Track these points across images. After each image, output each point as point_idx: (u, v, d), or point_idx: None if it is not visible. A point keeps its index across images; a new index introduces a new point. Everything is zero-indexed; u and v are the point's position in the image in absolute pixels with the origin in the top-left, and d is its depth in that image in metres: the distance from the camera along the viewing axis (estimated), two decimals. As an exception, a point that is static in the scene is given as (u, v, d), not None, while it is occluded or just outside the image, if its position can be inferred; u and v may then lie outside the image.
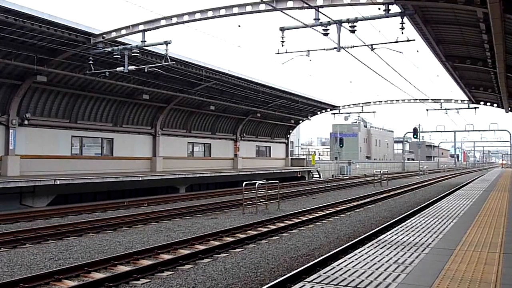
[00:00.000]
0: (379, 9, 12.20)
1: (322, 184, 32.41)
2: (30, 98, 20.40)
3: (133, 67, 17.89)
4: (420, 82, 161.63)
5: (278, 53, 14.82)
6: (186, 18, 14.63)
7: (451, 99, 32.90)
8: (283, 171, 35.82)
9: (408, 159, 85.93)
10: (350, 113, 40.49)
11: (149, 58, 19.51)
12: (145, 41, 16.09)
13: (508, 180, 24.71)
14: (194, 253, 9.46)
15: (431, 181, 38.71)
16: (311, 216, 15.19)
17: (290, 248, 10.25)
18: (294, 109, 36.00)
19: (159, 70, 19.89)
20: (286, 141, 42.88)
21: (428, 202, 19.66)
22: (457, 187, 27.71)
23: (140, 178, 22.20)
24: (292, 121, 40.33)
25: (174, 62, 18.41)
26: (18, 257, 9.25)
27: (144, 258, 9.23)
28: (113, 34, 16.76)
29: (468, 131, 54.67)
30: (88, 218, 14.68)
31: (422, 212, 9.99)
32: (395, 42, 13.40)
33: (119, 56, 17.14)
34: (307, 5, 12.31)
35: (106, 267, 8.53)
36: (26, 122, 20.19)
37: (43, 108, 21.11)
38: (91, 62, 18.39)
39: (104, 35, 16.96)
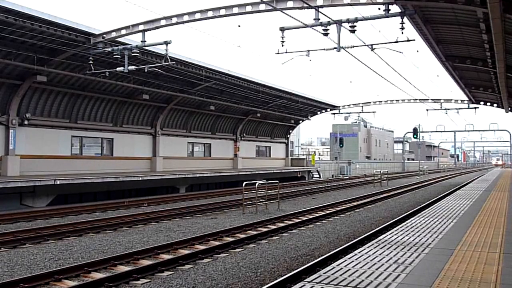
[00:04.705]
0: (379, 9, 12.21)
1: (322, 184, 32.41)
2: (30, 98, 20.41)
3: (133, 67, 17.89)
4: (420, 82, 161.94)
5: (278, 53, 14.83)
6: (186, 18, 14.64)
7: (451, 99, 32.93)
8: (283, 171, 35.82)
9: (408, 159, 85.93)
10: (350, 113, 40.52)
11: (149, 58, 19.52)
12: (145, 41, 16.10)
13: (508, 180, 24.71)
14: (194, 253, 9.46)
15: (431, 181, 38.71)
16: (311, 216, 15.18)
17: (290, 248, 10.25)
18: (294, 109, 36.01)
19: (159, 70, 19.90)
20: (286, 141, 42.88)
21: (428, 202, 19.65)
22: (457, 187, 27.70)
23: (140, 178, 22.20)
24: (292, 121, 40.34)
25: (174, 62, 18.41)
26: (18, 257, 9.25)
27: (144, 258, 9.23)
28: (113, 34, 16.77)
29: (468, 131, 54.76)
30: (88, 218, 14.68)
31: (422, 212, 9.99)
32: (395, 42, 13.41)
33: (119, 56, 17.15)
34: (307, 5, 12.31)
35: (106, 267, 8.53)
36: (26, 122, 20.19)
37: (43, 108, 21.11)
38: (91, 62, 18.39)
39: (104, 35, 16.96)
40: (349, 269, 4.98)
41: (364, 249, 6.08)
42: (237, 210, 17.25)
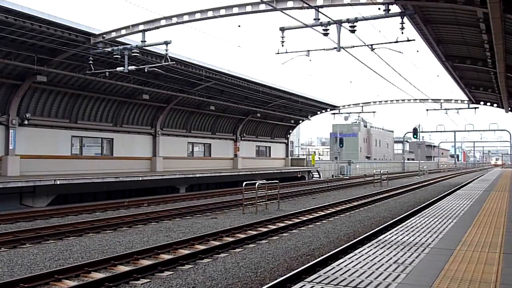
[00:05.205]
0: (379, 9, 12.21)
1: (322, 184, 32.41)
2: (30, 98, 20.41)
3: (133, 67, 17.89)
4: (420, 82, 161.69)
5: (278, 53, 14.83)
6: (186, 18, 14.63)
7: (451, 99, 32.92)
8: (283, 171, 35.82)
9: (408, 159, 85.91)
10: (350, 113, 40.54)
11: (149, 58, 19.52)
12: (145, 41, 16.09)
13: (508, 180, 24.70)
14: (194, 253, 9.46)
15: (431, 181, 38.71)
16: (311, 216, 15.18)
17: (290, 248, 10.25)
18: (294, 109, 36.01)
19: (159, 70, 19.90)
20: (286, 141, 42.88)
21: (428, 202, 19.65)
22: (457, 187, 27.70)
23: (140, 178, 22.20)
24: (292, 121, 40.34)
25: (174, 62, 18.41)
26: (18, 257, 9.25)
27: (144, 258, 9.23)
28: (113, 34, 16.76)
29: (468, 131, 54.75)
30: (88, 218, 14.68)
31: (422, 212, 9.98)
32: (395, 42, 13.41)
33: (119, 56, 17.15)
34: (307, 5, 12.31)
35: (106, 267, 8.53)
36: (26, 122, 20.19)
37: (43, 108, 21.11)
38: (91, 62, 18.39)
39: (104, 35, 16.96)
40: (349, 269, 4.98)
41: (364, 249, 6.08)
42: (237, 210, 17.25)
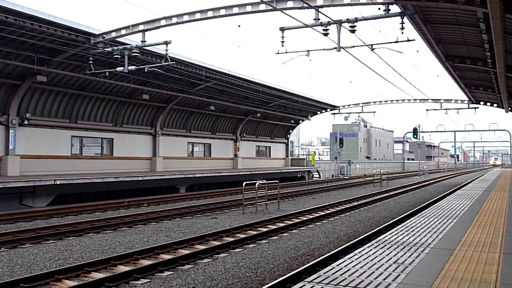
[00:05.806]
0: (379, 9, 12.21)
1: (322, 184, 32.41)
2: (30, 98, 20.41)
3: (133, 67, 17.90)
4: (420, 82, 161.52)
5: (278, 53, 14.83)
6: (186, 18, 14.64)
7: (451, 99, 32.92)
8: (283, 171, 35.82)
9: (408, 159, 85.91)
10: (350, 113, 40.52)
11: (149, 58, 19.52)
12: (145, 41, 16.10)
13: (508, 180, 24.70)
14: (194, 253, 9.46)
15: (431, 181, 38.70)
16: (311, 216, 15.18)
17: (290, 248, 10.25)
18: (294, 109, 36.02)
19: (159, 70, 19.90)
20: (286, 141, 42.89)
21: (428, 202, 19.65)
22: (457, 187, 27.70)
23: (140, 178, 22.20)
24: (292, 121, 40.34)
25: (174, 62, 18.42)
26: (18, 257, 9.25)
27: (144, 258, 9.23)
28: (113, 34, 16.77)
29: (468, 131, 54.69)
30: (88, 218, 14.68)
31: (422, 212, 9.98)
32: (395, 42, 13.42)
33: (119, 56, 17.15)
34: (307, 5, 12.31)
35: (106, 267, 8.53)
36: (26, 122, 20.19)
37: (43, 108, 21.11)
38: (91, 62, 18.40)
39: (104, 35, 16.97)
40: (349, 269, 4.98)
41: (364, 249, 6.08)
42: (237, 210, 17.25)
